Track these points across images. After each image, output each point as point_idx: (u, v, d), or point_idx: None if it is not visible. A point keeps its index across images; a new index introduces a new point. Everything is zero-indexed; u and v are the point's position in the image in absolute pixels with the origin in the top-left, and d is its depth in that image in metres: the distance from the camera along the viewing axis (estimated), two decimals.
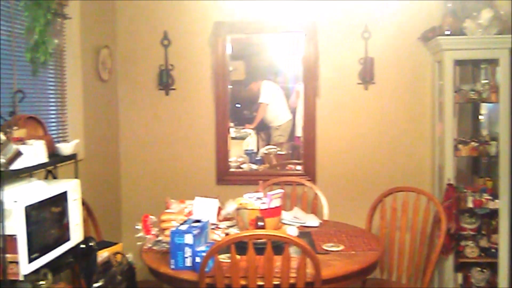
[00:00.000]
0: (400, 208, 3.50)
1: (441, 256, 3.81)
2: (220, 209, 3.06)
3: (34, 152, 2.36)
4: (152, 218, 2.88)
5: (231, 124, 4.62)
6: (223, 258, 2.52)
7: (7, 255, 2.08)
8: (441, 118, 4.00)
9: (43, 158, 2.45)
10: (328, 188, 4.07)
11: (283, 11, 4.27)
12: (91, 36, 3.85)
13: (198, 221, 2.69)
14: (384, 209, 3.58)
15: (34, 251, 2.19)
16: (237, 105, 4.77)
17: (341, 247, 2.87)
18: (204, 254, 2.43)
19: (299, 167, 4.52)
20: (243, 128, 5.15)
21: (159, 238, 2.84)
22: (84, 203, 3.01)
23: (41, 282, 2.29)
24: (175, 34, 4.36)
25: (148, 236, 2.85)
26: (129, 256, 3.21)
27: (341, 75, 4.30)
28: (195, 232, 2.52)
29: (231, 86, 4.47)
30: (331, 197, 3.83)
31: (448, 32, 3.91)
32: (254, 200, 2.99)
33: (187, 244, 2.50)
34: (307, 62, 4.29)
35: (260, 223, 2.77)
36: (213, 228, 2.92)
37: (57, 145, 2.71)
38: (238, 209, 2.95)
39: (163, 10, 4.36)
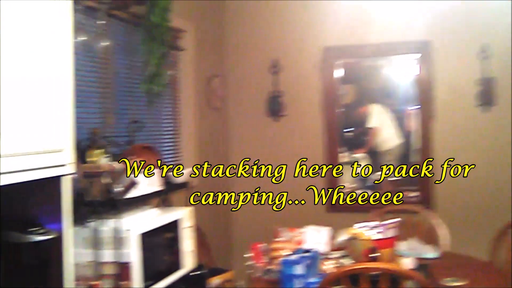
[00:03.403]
0: None
1: None
2: (331, 238, 2.96)
3: (149, 181, 2.42)
4: (263, 246, 2.85)
5: (341, 149, 4.52)
6: None
7: (122, 283, 2.14)
8: None
9: (158, 186, 2.51)
10: (446, 217, 3.81)
11: (395, 33, 4.14)
12: (203, 66, 3.97)
13: (308, 250, 2.62)
14: (510, 241, 3.28)
15: (148, 279, 2.23)
16: (345, 130, 4.67)
17: (464, 282, 2.64)
18: (315, 286, 2.35)
19: (413, 194, 4.30)
20: (354, 153, 5.02)
21: (269, 267, 2.79)
22: (198, 229, 3.06)
23: None
24: (284, 60, 4.38)
25: (258, 265, 2.82)
26: (240, 284, 3.20)
27: (457, 97, 4.09)
28: (306, 262, 2.44)
29: (343, 109, 4.40)
30: (450, 226, 3.58)
31: None
32: (367, 229, 2.86)
33: (297, 275, 2.43)
34: (421, 84, 4.13)
35: (373, 255, 2.64)
36: (324, 258, 2.82)
37: (171, 173, 2.78)
38: (350, 239, 2.84)
39: (272, 38, 4.41)
